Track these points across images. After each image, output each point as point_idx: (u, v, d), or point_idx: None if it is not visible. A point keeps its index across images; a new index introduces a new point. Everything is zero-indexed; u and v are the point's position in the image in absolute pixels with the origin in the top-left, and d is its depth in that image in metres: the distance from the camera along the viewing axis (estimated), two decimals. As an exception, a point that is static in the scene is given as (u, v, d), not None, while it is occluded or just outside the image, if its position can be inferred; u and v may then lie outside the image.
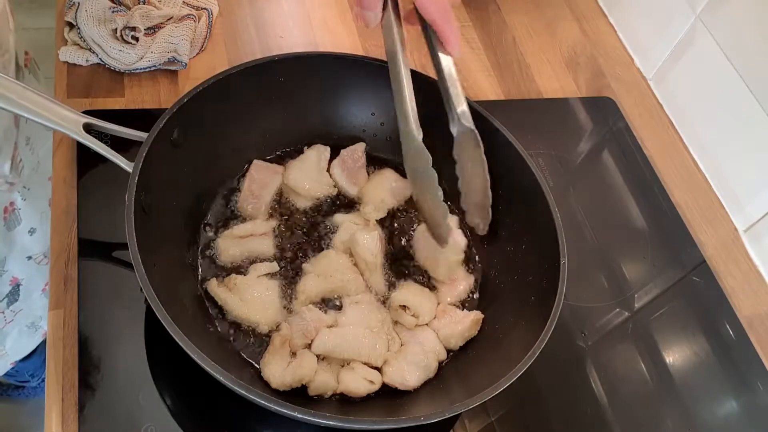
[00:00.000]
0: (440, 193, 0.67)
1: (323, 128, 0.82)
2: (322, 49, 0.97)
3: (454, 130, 0.68)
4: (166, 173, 0.67)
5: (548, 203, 0.70)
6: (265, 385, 0.64)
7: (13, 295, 1.04)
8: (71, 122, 0.64)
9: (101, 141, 0.65)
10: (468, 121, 0.68)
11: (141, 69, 0.87)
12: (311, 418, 0.54)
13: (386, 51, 0.67)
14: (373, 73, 0.78)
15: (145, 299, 0.55)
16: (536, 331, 0.62)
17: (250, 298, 0.68)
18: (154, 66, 0.87)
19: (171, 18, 0.90)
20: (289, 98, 0.78)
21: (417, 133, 0.65)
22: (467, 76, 0.99)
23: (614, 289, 0.83)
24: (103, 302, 0.68)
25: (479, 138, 0.68)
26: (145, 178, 0.62)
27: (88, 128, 0.65)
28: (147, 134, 0.65)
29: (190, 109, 0.68)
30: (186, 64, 0.88)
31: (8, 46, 0.84)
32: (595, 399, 0.73)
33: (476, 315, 0.70)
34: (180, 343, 0.54)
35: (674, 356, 0.78)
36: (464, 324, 0.69)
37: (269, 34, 0.97)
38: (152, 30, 0.88)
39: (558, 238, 0.68)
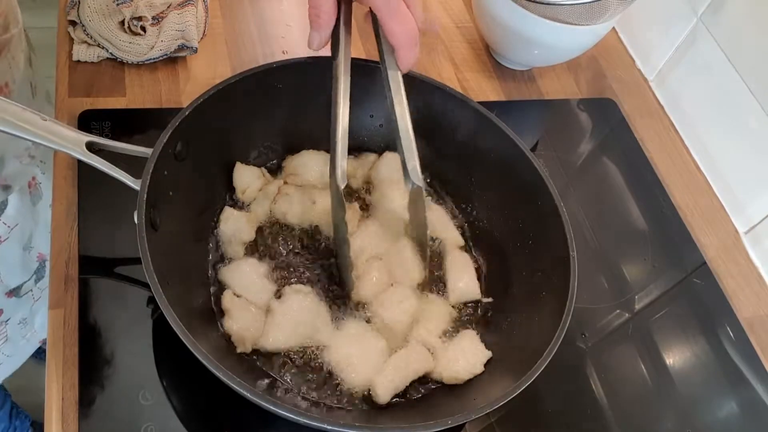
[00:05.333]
0: (347, 247, 0.68)
1: (323, 132, 0.81)
2: (324, 51, 0.97)
3: (407, 184, 0.68)
4: (171, 187, 0.66)
5: (553, 198, 0.71)
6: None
7: (40, 271, 1.04)
8: (73, 142, 0.64)
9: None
10: (418, 179, 0.66)
11: (153, 59, 0.87)
12: (317, 424, 0.54)
13: (333, 83, 0.66)
14: (371, 75, 0.78)
15: (154, 307, 0.55)
16: (551, 326, 0.63)
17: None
18: (166, 54, 0.87)
19: (170, 5, 0.90)
20: (289, 103, 0.78)
21: (340, 181, 0.65)
22: (469, 77, 0.99)
23: (614, 290, 0.83)
24: (105, 301, 0.68)
25: (425, 198, 0.69)
26: (153, 194, 0.62)
27: (91, 146, 0.64)
28: (151, 150, 0.64)
29: (191, 121, 0.68)
30: (196, 48, 0.89)
31: (17, 21, 0.84)
32: (595, 400, 0.73)
33: None
34: (207, 365, 0.54)
35: (675, 358, 0.78)
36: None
37: (270, 34, 0.97)
38: (156, 20, 0.88)
39: (566, 233, 0.68)
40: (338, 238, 0.71)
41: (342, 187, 0.65)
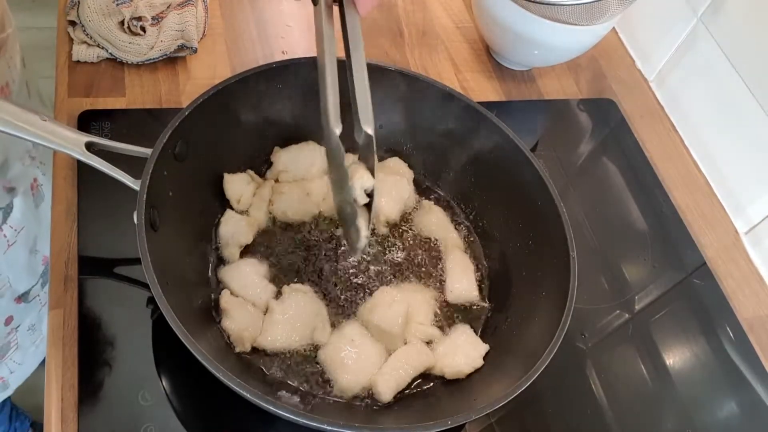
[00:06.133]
0: (353, 193, 0.63)
1: (322, 132, 0.81)
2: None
3: (358, 134, 0.63)
4: (171, 187, 0.66)
5: (553, 198, 0.71)
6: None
7: (46, 275, 1.04)
8: (73, 142, 0.64)
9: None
10: (370, 126, 0.61)
11: (153, 59, 0.87)
12: (316, 424, 0.54)
13: (315, 30, 0.63)
14: (372, 76, 0.78)
15: (154, 307, 0.55)
16: (551, 326, 0.63)
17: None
18: (165, 55, 0.87)
19: (170, 5, 0.90)
20: (288, 103, 0.78)
21: (335, 125, 0.60)
22: (469, 77, 0.99)
23: (615, 290, 0.83)
24: (104, 301, 0.68)
25: (375, 150, 0.64)
26: (152, 194, 0.62)
27: (90, 146, 0.64)
28: (151, 150, 0.64)
29: (191, 121, 0.68)
30: (196, 48, 0.89)
31: (11, 21, 0.85)
32: (595, 401, 0.73)
33: None
34: (207, 366, 0.54)
35: (674, 358, 0.78)
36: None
37: (270, 34, 0.97)
38: (156, 20, 0.88)
39: (566, 233, 0.68)
40: (338, 186, 0.65)
41: (338, 132, 0.60)
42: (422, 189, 0.83)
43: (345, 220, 0.67)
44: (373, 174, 0.66)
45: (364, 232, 0.65)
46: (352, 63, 0.64)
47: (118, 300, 0.69)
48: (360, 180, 0.64)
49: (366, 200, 0.65)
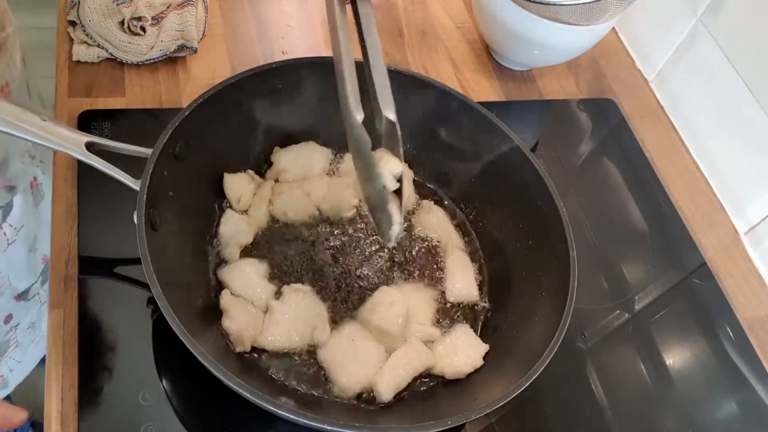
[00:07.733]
0: (382, 180, 0.61)
1: (322, 131, 0.81)
2: (324, 51, 0.97)
3: (379, 123, 0.62)
4: (171, 187, 0.67)
5: (553, 198, 0.71)
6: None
7: (46, 273, 1.03)
8: (73, 142, 0.64)
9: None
10: (392, 113, 0.60)
11: (153, 59, 0.87)
12: (316, 424, 0.54)
13: (328, 22, 0.62)
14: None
15: (154, 307, 0.55)
16: (551, 327, 0.63)
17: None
18: (165, 54, 0.87)
19: (170, 5, 0.90)
20: (289, 103, 0.78)
21: (356, 112, 0.59)
22: (469, 77, 0.99)
23: (614, 290, 0.83)
24: (105, 301, 0.68)
25: (399, 135, 0.62)
26: (152, 194, 0.62)
27: (90, 146, 0.64)
28: (151, 150, 0.64)
29: (191, 121, 0.68)
30: (196, 48, 0.89)
31: (11, 20, 0.85)
32: (595, 401, 0.73)
33: None
34: (207, 366, 0.54)
35: (674, 358, 0.78)
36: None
37: (270, 34, 0.97)
38: (156, 20, 0.88)
39: (566, 233, 0.69)
40: (365, 175, 0.62)
41: (360, 119, 0.58)
42: (422, 189, 0.83)
43: (375, 208, 0.64)
44: (400, 159, 0.63)
45: (397, 218, 0.63)
46: (368, 50, 0.63)
47: (118, 300, 0.69)
48: (387, 165, 0.62)
49: (396, 186, 0.62)
